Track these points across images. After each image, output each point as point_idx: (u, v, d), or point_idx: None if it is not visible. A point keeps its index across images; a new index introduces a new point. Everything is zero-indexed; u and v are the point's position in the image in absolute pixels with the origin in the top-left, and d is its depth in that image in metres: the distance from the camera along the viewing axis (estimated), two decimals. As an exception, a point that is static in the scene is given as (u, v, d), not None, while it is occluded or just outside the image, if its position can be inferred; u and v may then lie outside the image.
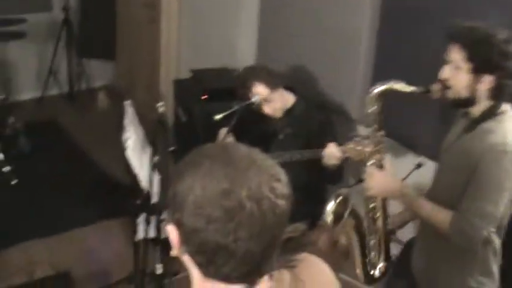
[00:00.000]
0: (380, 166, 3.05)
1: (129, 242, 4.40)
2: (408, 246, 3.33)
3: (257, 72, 4.01)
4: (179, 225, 1.38)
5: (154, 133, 3.30)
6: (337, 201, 3.07)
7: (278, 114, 4.06)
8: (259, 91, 3.94)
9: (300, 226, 4.15)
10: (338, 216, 3.06)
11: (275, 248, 1.41)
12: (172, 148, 3.13)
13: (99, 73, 7.64)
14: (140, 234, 3.99)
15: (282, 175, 1.40)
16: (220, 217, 1.31)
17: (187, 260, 1.43)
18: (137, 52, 6.86)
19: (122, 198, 5.04)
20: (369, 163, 3.04)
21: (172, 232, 1.41)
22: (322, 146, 3.77)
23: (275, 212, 1.35)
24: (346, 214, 3.04)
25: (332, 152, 3.73)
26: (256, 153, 1.41)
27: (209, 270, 1.40)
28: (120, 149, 4.11)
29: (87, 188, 5.54)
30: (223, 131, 4.13)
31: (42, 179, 5.64)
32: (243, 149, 1.41)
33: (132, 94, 7.05)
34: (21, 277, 4.36)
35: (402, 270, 3.22)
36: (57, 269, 4.45)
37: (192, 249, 1.39)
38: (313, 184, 4.07)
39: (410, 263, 3.14)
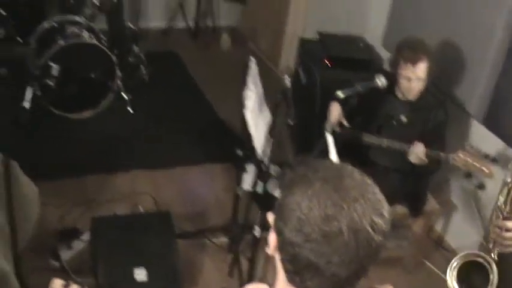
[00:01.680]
0: None
1: (231, 190, 4.53)
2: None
3: (428, 49, 3.95)
4: (279, 233, 1.46)
5: (275, 105, 3.34)
6: None
7: (409, 96, 4.04)
8: (422, 68, 3.88)
9: (401, 209, 4.18)
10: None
11: (361, 275, 1.48)
12: (291, 122, 3.17)
13: (226, 13, 7.70)
14: (244, 186, 4.09)
15: (386, 211, 1.45)
16: (318, 239, 1.39)
17: (277, 261, 1.52)
18: (268, 0, 6.90)
19: (230, 144, 5.17)
20: None
21: (271, 234, 1.51)
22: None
23: (370, 246, 1.41)
24: None
25: (417, 152, 3.75)
26: (368, 185, 1.46)
27: (294, 279, 1.49)
28: (236, 95, 4.18)
29: (197, 127, 5.66)
30: (336, 106, 4.13)
31: (156, 110, 5.82)
32: (357, 177, 1.46)
33: (255, 40, 7.14)
34: (124, 205, 4.56)
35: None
36: (159, 203, 4.63)
37: (285, 257, 1.48)
38: (416, 170, 4.06)
39: None
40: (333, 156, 3.24)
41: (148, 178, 4.91)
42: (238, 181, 4.16)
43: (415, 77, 3.89)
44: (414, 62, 3.85)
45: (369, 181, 1.47)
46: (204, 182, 4.95)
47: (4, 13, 5.42)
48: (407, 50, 3.89)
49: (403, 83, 3.96)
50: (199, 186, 4.90)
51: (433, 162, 3.86)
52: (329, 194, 1.39)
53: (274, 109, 3.43)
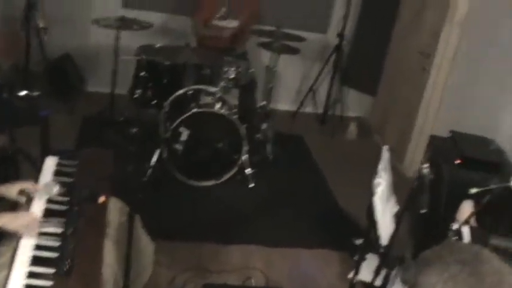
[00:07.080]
0: None
1: (344, 278, 4.42)
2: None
3: None
4: None
5: (413, 192, 3.23)
6: None
7: None
8: None
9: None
10: None
11: None
12: (424, 210, 3.08)
13: (355, 104, 7.77)
14: (362, 277, 3.97)
15: None
16: None
17: None
18: (399, 95, 6.87)
19: (347, 233, 5.10)
20: None
21: None
22: None
23: None
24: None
25: None
26: (508, 271, 1.38)
27: None
28: (357, 184, 4.10)
29: (315, 211, 5.61)
30: (467, 204, 4.00)
31: (276, 189, 5.84)
32: (496, 263, 1.39)
33: (382, 133, 7.11)
34: (235, 277, 4.50)
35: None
36: (270, 280, 4.54)
37: None
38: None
39: None
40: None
41: (261, 254, 4.84)
42: (356, 270, 4.05)
43: None
44: None
45: (508, 268, 1.40)
46: (318, 267, 4.83)
47: (146, 75, 5.63)
48: None
49: None
50: (312, 270, 4.80)
51: None
52: (465, 278, 1.35)
53: (409, 196, 3.30)
